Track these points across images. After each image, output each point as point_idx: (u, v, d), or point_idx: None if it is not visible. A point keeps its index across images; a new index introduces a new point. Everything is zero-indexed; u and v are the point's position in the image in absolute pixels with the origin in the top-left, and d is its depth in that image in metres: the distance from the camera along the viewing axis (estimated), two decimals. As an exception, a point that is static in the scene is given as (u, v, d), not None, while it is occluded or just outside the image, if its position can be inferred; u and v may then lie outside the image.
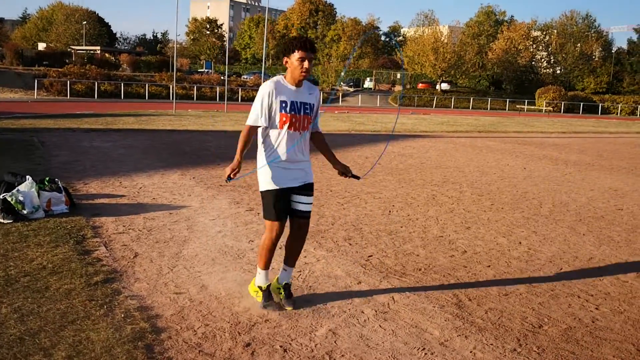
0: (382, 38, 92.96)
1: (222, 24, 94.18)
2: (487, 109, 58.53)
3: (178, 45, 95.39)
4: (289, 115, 3.94)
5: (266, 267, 4.17)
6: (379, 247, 5.83)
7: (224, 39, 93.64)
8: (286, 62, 3.97)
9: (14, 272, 4.54)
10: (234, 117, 25.57)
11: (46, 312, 3.83)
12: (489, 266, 5.41)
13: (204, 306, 4.11)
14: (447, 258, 5.60)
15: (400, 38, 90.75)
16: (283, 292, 4.20)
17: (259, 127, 3.98)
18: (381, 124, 25.75)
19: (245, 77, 61.95)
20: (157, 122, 20.54)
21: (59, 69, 43.00)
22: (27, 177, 6.56)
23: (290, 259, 4.26)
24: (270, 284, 4.23)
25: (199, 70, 71.35)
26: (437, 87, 65.95)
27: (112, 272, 4.70)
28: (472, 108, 58.02)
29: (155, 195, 7.80)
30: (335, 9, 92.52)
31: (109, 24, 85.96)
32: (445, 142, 18.36)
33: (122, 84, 41.39)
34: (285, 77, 4.02)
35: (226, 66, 40.74)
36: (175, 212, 6.89)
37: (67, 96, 38.46)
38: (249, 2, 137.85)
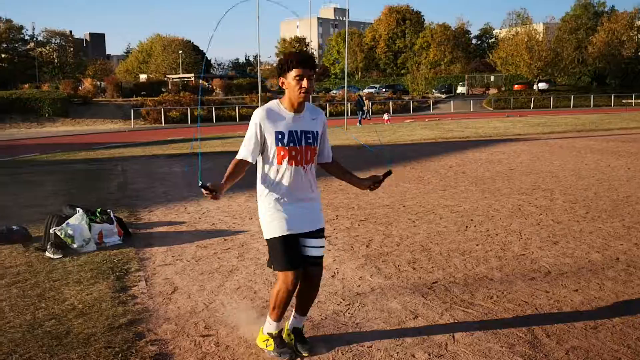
0: (474, 41, 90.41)
1: (309, 42, 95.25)
2: (589, 106, 55.06)
3: (269, 66, 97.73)
4: (286, 148, 3.33)
5: (279, 319, 3.57)
6: (447, 271, 5.11)
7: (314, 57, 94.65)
8: (282, 83, 3.35)
9: (42, 315, 4.25)
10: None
11: (56, 363, 3.47)
12: (577, 290, 4.55)
13: (229, 352, 3.60)
14: (526, 282, 4.78)
15: (492, 40, 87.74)
16: (294, 337, 3.61)
17: (249, 162, 3.40)
18: (472, 129, 24.56)
19: (333, 92, 61.99)
20: (239, 144, 20.54)
21: (155, 98, 44.81)
22: (78, 209, 6.39)
23: (302, 308, 3.65)
24: (282, 329, 3.63)
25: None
26: (535, 87, 62.88)
27: (142, 311, 4.31)
28: (573, 107, 54.76)
29: (216, 221, 7.45)
30: (423, 16, 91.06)
31: (204, 51, 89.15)
32: (540, 145, 17.04)
33: (214, 108, 42.43)
34: (282, 102, 3.40)
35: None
36: (230, 239, 6.49)
37: (162, 124, 39.89)
38: (337, 18, 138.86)
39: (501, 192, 9.04)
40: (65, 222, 6.12)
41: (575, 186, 9.43)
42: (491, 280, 4.84)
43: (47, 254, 5.89)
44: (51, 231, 6.03)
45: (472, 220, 7.14)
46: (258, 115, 3.36)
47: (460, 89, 68.85)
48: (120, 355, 3.55)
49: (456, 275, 5.01)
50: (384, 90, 64.25)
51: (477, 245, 5.97)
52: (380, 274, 5.07)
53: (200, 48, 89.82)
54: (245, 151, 3.40)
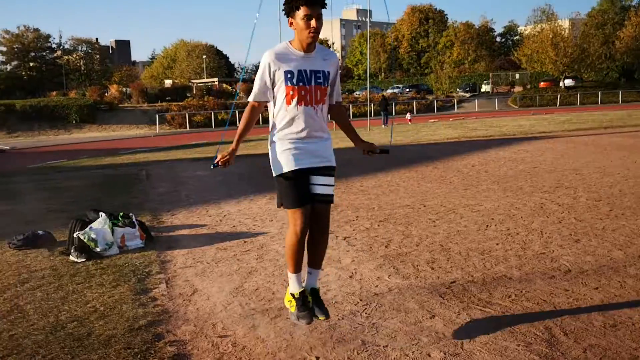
0: (498, 39, 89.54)
1: (333, 43, 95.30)
2: (618, 102, 54.15)
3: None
4: (296, 87, 3.32)
5: (296, 269, 3.58)
6: (466, 271, 5.08)
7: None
8: (291, 23, 3.33)
9: (64, 318, 4.34)
10: (340, 134, 25.25)
11: (77, 364, 3.54)
12: (597, 288, 4.49)
13: (246, 352, 3.64)
14: (546, 280, 4.74)
15: (517, 37, 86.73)
16: (311, 299, 3.63)
17: (262, 103, 3.43)
18: (496, 128, 24.34)
19: (357, 93, 61.92)
20: (262, 146, 20.65)
21: (180, 103, 45.30)
22: (101, 213, 6.50)
23: (314, 260, 3.66)
24: (304, 289, 3.64)
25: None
26: (561, 84, 62.03)
27: (162, 313, 4.37)
28: (601, 103, 53.95)
29: (237, 223, 7.51)
30: (446, 15, 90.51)
31: (227, 55, 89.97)
32: (565, 142, 16.82)
33: (237, 112, 42.70)
34: (291, 42, 3.39)
35: (368, 83, 40.72)
36: (250, 241, 6.54)
37: (186, 128, 40.30)
38: (360, 19, 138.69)
39: (523, 191, 8.95)
40: (89, 227, 6.23)
41: (600, 183, 9.30)
42: (510, 279, 4.81)
43: (71, 257, 6.01)
44: (75, 235, 6.14)
45: (492, 219, 7.09)
46: (267, 56, 3.38)
47: (485, 88, 68.25)
48: (139, 356, 3.61)
49: (475, 274, 4.98)
50: (407, 90, 64.02)
51: (497, 244, 5.93)
52: (398, 274, 5.07)
53: (224, 52, 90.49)
54: (255, 92, 3.44)
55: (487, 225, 6.76)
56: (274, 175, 3.55)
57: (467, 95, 62.42)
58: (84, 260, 5.93)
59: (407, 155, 15.53)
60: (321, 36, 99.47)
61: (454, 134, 21.77)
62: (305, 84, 3.35)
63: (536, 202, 8.02)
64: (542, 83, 62.65)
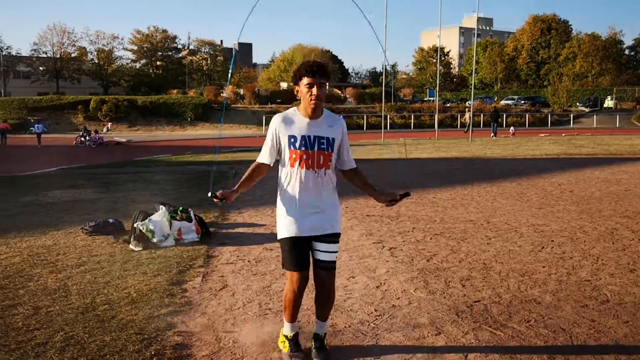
0: (626, 52, 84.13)
1: (449, 51, 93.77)
2: None
3: (405, 76, 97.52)
4: (298, 151, 3.46)
5: (291, 320, 3.68)
6: (496, 291, 4.94)
7: (451, 66, 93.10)
8: (297, 91, 3.52)
9: (99, 300, 4.70)
10: (438, 144, 24.95)
11: (90, 343, 3.84)
12: (628, 322, 4.21)
13: (242, 349, 3.78)
14: (577, 308, 4.51)
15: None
16: (313, 343, 3.69)
17: (265, 165, 3.58)
18: (604, 146, 22.95)
19: (468, 103, 60.47)
20: (357, 152, 20.82)
21: (288, 105, 46.44)
22: (161, 207, 6.91)
23: (320, 314, 3.73)
24: (297, 333, 3.73)
25: (424, 99, 71.58)
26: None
27: (185, 304, 4.63)
28: None
29: (294, 225, 7.69)
30: (570, 25, 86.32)
31: (342, 60, 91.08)
32: (675, 166, 15.59)
33: (342, 116, 43.15)
34: (298, 109, 3.56)
35: (436, 92, 40.16)
36: (298, 243, 6.68)
37: (292, 130, 41.28)
38: (480, 27, 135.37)
39: (602, 214, 8.46)
40: (148, 218, 6.65)
41: (691, 212, 8.59)
42: (538, 304, 4.62)
43: (130, 246, 6.45)
44: (135, 225, 6.58)
45: (552, 241, 6.78)
46: (275, 121, 3.56)
47: (608, 103, 64.31)
48: (145, 341, 3.86)
49: (504, 296, 4.82)
50: (522, 102, 61.69)
51: (543, 267, 5.68)
52: (425, 289, 5.01)
53: (339, 58, 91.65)
54: (262, 154, 3.60)
55: (542, 247, 6.49)
56: (278, 237, 3.66)
57: (587, 110, 59.12)
58: (140, 249, 6.35)
59: (496, 169, 15.08)
60: (441, 44, 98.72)
61: (556, 150, 20.78)
62: (308, 149, 3.49)
63: (609, 227, 7.57)
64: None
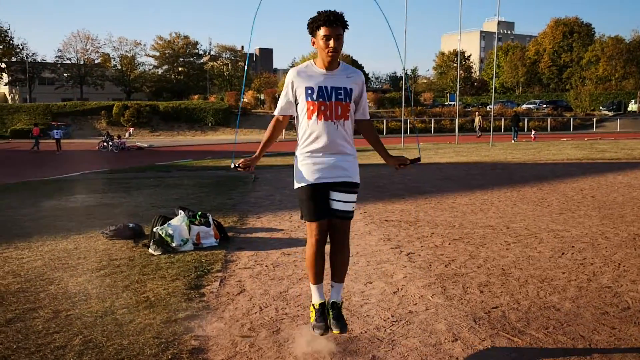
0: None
1: (469, 55, 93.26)
2: None
3: (426, 80, 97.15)
4: (316, 102, 3.46)
5: (316, 280, 3.70)
6: (515, 298, 4.89)
7: (472, 70, 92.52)
8: (313, 43, 3.51)
9: (118, 304, 4.75)
10: (458, 148, 24.78)
11: (108, 347, 3.88)
12: (648, 330, 4.15)
13: (258, 354, 3.79)
14: (597, 315, 4.45)
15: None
16: (331, 313, 3.70)
17: (285, 117, 3.62)
18: (627, 150, 22.64)
19: (490, 107, 60.12)
20: (375, 157, 20.78)
21: (308, 110, 46.61)
22: (180, 211, 6.97)
23: (334, 272, 3.74)
24: (324, 302, 3.74)
25: (445, 103, 71.28)
26: None
27: (203, 308, 4.65)
28: None
29: (312, 230, 7.70)
30: (593, 28, 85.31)
31: (362, 65, 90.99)
32: (701, 170, 15.32)
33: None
34: (315, 61, 3.56)
35: (456, 96, 39.95)
36: (316, 248, 6.69)
37: (312, 135, 41.37)
38: (502, 31, 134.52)
39: (624, 220, 8.34)
40: (167, 223, 6.71)
41: None
42: (557, 311, 4.56)
43: (149, 250, 6.51)
44: (154, 230, 6.64)
45: (573, 247, 6.71)
46: (291, 73, 3.59)
47: (632, 107, 63.47)
48: (162, 345, 3.89)
49: (522, 302, 4.78)
50: (544, 106, 61.15)
51: (563, 273, 5.62)
52: (443, 295, 4.98)
53: (359, 62, 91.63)
54: (279, 108, 3.66)
55: (562, 253, 6.41)
56: (295, 187, 3.69)
57: (610, 114, 58.37)
58: (159, 253, 6.40)
59: (516, 174, 14.94)
60: (462, 48, 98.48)
61: (578, 154, 20.54)
62: (325, 100, 3.48)
63: (631, 232, 7.46)
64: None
